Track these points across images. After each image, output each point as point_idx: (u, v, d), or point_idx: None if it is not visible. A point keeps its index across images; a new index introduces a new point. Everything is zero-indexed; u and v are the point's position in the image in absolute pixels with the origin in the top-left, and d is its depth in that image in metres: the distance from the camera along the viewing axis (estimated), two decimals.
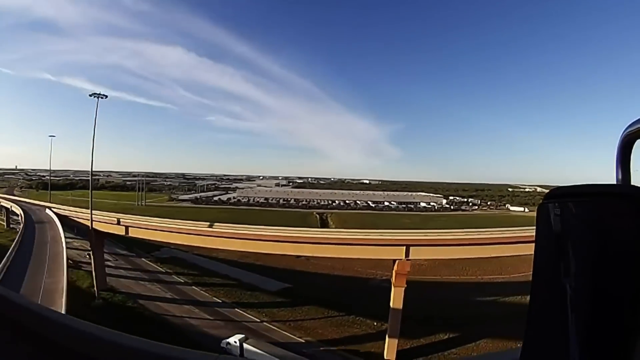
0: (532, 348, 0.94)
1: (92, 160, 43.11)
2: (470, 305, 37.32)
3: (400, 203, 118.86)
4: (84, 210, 45.51)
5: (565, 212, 0.88)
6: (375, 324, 33.24)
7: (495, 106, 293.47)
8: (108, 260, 45.69)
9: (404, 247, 29.85)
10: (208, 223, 37.32)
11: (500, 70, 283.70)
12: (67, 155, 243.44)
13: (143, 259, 51.33)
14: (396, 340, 28.89)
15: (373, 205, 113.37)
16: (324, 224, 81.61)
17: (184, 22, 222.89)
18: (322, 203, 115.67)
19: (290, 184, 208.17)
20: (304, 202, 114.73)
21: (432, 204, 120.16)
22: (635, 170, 1.14)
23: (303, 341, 30.56)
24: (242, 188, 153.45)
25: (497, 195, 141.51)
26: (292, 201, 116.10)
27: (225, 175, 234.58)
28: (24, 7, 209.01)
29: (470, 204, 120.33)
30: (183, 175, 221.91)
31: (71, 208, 50.83)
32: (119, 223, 40.20)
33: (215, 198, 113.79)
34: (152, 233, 38.87)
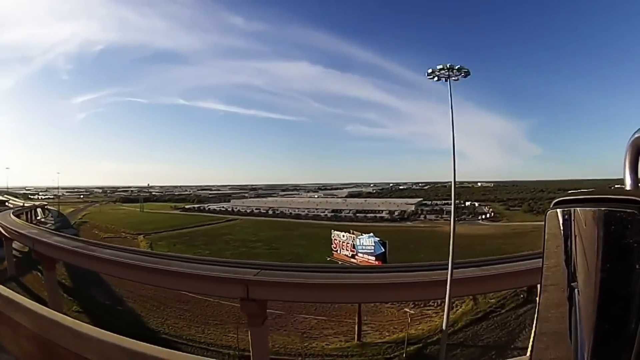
0: (541, 353, 0.93)
1: None
2: None
3: (360, 212, 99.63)
4: None
5: (573, 217, 0.87)
6: None
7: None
8: None
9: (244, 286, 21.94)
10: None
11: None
12: (198, 171, 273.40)
13: None
14: None
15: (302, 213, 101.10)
16: None
17: (301, 36, 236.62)
18: (290, 213, 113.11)
19: (374, 192, 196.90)
20: (273, 211, 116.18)
21: (396, 212, 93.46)
22: None
23: None
24: (282, 198, 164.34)
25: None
26: (261, 210, 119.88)
27: (327, 184, 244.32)
28: (142, 42, 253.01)
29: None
30: (295, 187, 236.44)
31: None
32: None
33: (208, 207, 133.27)
34: None
